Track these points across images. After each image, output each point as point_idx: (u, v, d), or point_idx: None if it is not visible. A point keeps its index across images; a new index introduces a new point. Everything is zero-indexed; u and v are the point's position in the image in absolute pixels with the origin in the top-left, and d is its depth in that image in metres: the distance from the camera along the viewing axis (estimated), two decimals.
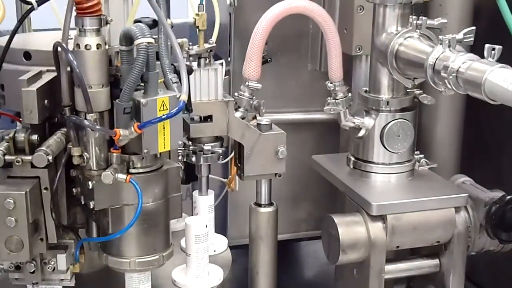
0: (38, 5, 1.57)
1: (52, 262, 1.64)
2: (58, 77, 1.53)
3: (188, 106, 1.76)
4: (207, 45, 1.87)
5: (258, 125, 1.92)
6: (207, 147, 1.88)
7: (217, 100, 1.86)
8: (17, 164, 1.51)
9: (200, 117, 1.87)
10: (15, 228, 1.49)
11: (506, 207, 2.05)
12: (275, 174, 1.96)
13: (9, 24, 1.67)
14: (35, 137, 1.53)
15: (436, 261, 2.11)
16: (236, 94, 1.97)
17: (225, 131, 1.88)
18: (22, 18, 1.62)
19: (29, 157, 1.51)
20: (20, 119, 1.63)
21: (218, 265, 1.94)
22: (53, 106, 1.58)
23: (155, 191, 1.63)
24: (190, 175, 1.99)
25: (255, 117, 1.97)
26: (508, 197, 2.07)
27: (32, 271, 1.62)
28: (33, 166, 1.51)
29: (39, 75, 1.58)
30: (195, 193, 2.00)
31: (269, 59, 2.46)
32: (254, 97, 1.96)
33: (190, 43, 1.86)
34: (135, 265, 1.65)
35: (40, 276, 1.64)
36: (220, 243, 2.07)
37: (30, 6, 1.58)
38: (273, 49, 2.45)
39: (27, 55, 1.68)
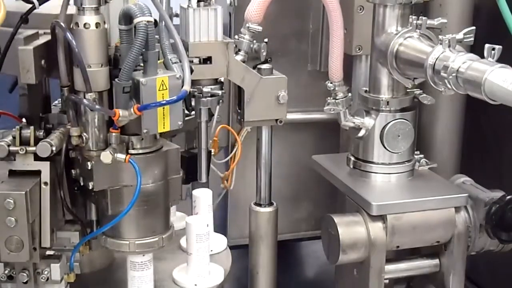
0: (40, 4, 1.57)
1: (46, 272, 1.60)
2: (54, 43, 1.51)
3: (188, 106, 1.76)
4: None
5: (259, 69, 1.90)
6: (206, 89, 1.83)
7: (216, 41, 1.82)
8: (21, 153, 1.50)
9: (200, 59, 1.83)
10: (15, 228, 1.49)
11: (506, 207, 2.05)
12: (276, 120, 1.92)
13: None
14: (40, 132, 1.53)
15: (436, 261, 2.11)
16: (236, 36, 1.94)
17: (225, 73, 1.85)
18: (23, 18, 1.61)
19: (33, 148, 1.50)
20: (21, 119, 1.62)
21: (218, 265, 1.93)
22: (50, 67, 1.56)
23: (154, 172, 1.62)
24: (190, 175, 1.99)
25: (255, 67, 1.94)
26: (508, 197, 2.07)
27: (25, 281, 1.59)
28: (35, 159, 1.51)
29: (36, 35, 1.56)
30: (195, 192, 2.00)
31: (269, 59, 2.45)
32: (254, 40, 1.93)
33: None
34: (134, 247, 1.64)
35: (34, 287, 1.60)
36: (219, 243, 2.07)
37: (31, 5, 1.57)
38: (273, 49, 2.45)
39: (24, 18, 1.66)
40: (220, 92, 1.85)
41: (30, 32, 1.55)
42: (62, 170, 1.58)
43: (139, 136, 1.58)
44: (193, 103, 1.84)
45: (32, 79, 1.50)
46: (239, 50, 1.91)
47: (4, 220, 1.48)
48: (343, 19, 2.06)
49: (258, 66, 1.90)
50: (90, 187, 1.57)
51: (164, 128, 1.56)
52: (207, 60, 1.83)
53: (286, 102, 1.90)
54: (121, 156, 1.53)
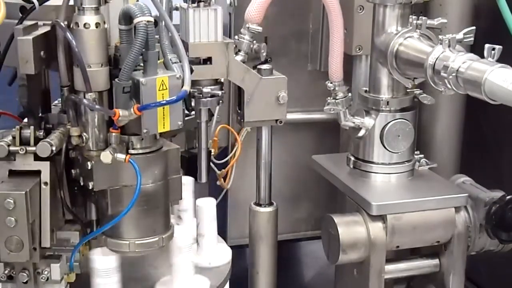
0: (40, 4, 1.57)
1: (46, 272, 1.58)
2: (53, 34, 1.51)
3: (188, 106, 1.76)
4: None
5: (259, 69, 1.90)
6: (206, 89, 1.84)
7: (216, 41, 1.83)
8: (21, 153, 1.50)
9: (200, 60, 1.83)
10: (15, 228, 1.49)
11: (506, 207, 2.05)
12: (276, 120, 1.92)
13: None
14: (40, 132, 1.53)
15: (436, 261, 2.11)
16: (236, 37, 1.94)
17: (225, 74, 1.85)
18: (23, 17, 1.61)
19: (33, 148, 1.50)
20: (21, 119, 1.62)
21: (218, 265, 1.91)
22: (49, 58, 1.55)
23: (154, 172, 1.61)
24: (190, 174, 1.98)
25: (255, 67, 1.94)
26: (508, 197, 2.07)
27: (25, 281, 1.57)
28: (35, 159, 1.51)
29: (35, 26, 1.55)
30: (198, 202, 1.95)
31: (269, 59, 2.45)
32: (254, 41, 1.93)
33: None
34: (134, 247, 1.62)
35: (34, 287, 1.59)
36: (222, 255, 1.99)
37: (31, 5, 1.57)
38: (273, 49, 2.45)
39: (24, 9, 1.66)
40: (220, 92, 1.85)
41: (29, 23, 1.54)
42: (62, 170, 1.58)
43: (139, 136, 1.57)
44: (193, 103, 1.84)
45: (31, 69, 1.48)
46: (239, 51, 1.92)
47: (4, 220, 1.48)
48: (343, 19, 2.06)
49: (258, 67, 1.90)
50: (90, 187, 1.57)
51: (164, 128, 1.56)
52: (207, 61, 1.83)
53: (286, 102, 1.90)
54: (121, 156, 1.52)
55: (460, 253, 2.07)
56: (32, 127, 1.52)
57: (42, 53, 1.52)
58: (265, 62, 2.38)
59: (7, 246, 1.50)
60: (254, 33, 1.92)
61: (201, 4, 1.81)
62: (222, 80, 1.87)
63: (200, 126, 1.89)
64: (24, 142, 1.52)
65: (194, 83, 1.80)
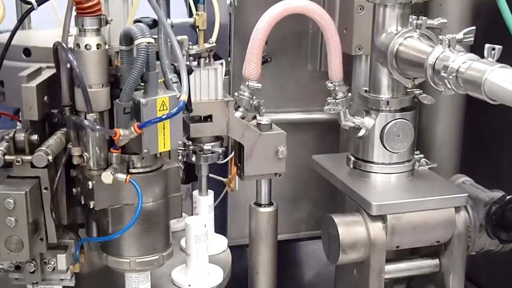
0: (38, 5, 1.57)
1: (52, 262, 1.63)
2: (58, 76, 1.53)
3: (188, 106, 1.76)
4: (207, 45, 1.87)
5: (258, 125, 1.92)
6: (207, 146, 1.88)
7: (217, 100, 1.86)
8: (17, 164, 1.51)
9: (200, 117, 1.87)
10: (15, 228, 1.49)
11: (506, 207, 2.05)
12: (275, 174, 1.95)
13: (9, 24, 1.66)
14: (35, 137, 1.53)
15: (436, 261, 2.11)
16: (236, 94, 1.97)
17: (225, 131, 1.88)
18: (22, 18, 1.62)
19: (29, 157, 1.50)
20: (20, 118, 1.62)
21: (218, 265, 1.93)
22: (52, 102, 1.58)
23: (155, 191, 1.63)
24: (190, 175, 1.99)
25: (255, 117, 1.97)
26: (508, 197, 2.07)
27: (32, 271, 1.62)
28: (33, 166, 1.51)
29: (38, 71, 1.58)
30: (195, 193, 2.00)
31: (269, 59, 2.45)
32: (254, 97, 1.96)
33: (190, 43, 1.86)
34: (135, 265, 1.65)
35: (40, 276, 1.63)
36: (220, 243, 2.07)
37: (30, 6, 1.58)
38: (273, 49, 2.45)
39: (27, 51, 1.67)
40: (220, 150, 1.90)
41: (33, 67, 1.57)
42: (62, 173, 1.58)
43: (140, 155, 1.58)
44: (193, 159, 1.90)
45: (35, 115, 1.52)
46: (239, 107, 1.95)
47: (4, 220, 1.49)
48: (343, 19, 2.06)
49: (258, 122, 1.92)
50: (91, 206, 1.58)
51: (164, 147, 1.57)
52: (207, 118, 1.86)
53: (285, 156, 1.92)
54: (122, 176, 1.54)
55: (460, 253, 2.07)
56: (23, 135, 1.52)
57: (45, 98, 1.54)
58: (265, 62, 2.39)
59: (7, 246, 1.51)
60: (254, 90, 1.94)
61: (202, 60, 1.84)
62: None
63: (201, 181, 1.95)
64: (19, 148, 1.52)
65: (195, 140, 1.87)
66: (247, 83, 1.96)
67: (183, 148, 1.88)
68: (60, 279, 1.67)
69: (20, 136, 1.52)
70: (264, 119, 1.92)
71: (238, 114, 1.92)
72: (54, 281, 1.67)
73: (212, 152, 1.89)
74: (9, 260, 1.57)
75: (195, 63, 1.85)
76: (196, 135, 1.86)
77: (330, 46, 2.03)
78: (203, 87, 1.85)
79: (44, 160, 1.49)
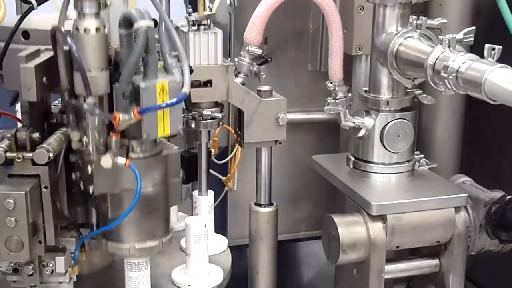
0: (38, 5, 1.57)
1: (51, 265, 1.61)
2: (55, 59, 1.52)
3: (188, 106, 1.76)
4: (206, 12, 1.85)
5: (258, 91, 1.91)
6: (206, 112, 1.86)
7: (216, 64, 1.84)
8: (18, 160, 1.51)
9: (200, 82, 1.84)
10: (15, 228, 1.49)
11: (506, 207, 2.05)
12: (276, 141, 1.93)
13: (9, 23, 1.66)
14: (36, 135, 1.53)
15: (436, 261, 2.11)
16: (236, 59, 1.95)
17: (225, 96, 1.86)
18: (22, 18, 1.61)
19: (30, 154, 1.50)
20: (20, 118, 1.62)
21: (218, 265, 1.93)
22: (51, 84, 1.56)
23: (154, 176, 1.61)
24: (190, 175, 1.99)
25: (256, 74, 1.95)
26: (508, 197, 2.07)
27: (30, 273, 1.60)
28: (33, 164, 1.51)
29: (37, 52, 1.56)
30: (195, 193, 2.00)
31: (269, 59, 2.45)
32: (254, 63, 1.95)
33: (190, 9, 1.84)
34: (134, 251, 1.63)
35: (39, 279, 1.61)
36: (220, 243, 2.07)
37: (30, 5, 1.57)
38: (273, 49, 2.45)
39: (26, 34, 1.66)
40: (220, 115, 1.88)
41: (31, 49, 1.55)
42: (62, 171, 1.58)
43: (139, 139, 1.58)
44: (193, 125, 1.87)
45: (33, 96, 1.50)
46: (239, 73, 1.94)
47: (4, 220, 1.48)
48: (343, 19, 2.06)
49: (258, 89, 1.92)
50: (91, 191, 1.58)
51: (164, 132, 1.56)
52: (207, 83, 1.85)
53: (285, 124, 1.91)
54: (121, 161, 1.53)
55: (460, 253, 2.07)
56: (24, 133, 1.52)
57: (44, 79, 1.53)
58: (265, 62, 2.39)
59: (7, 246, 1.50)
60: (254, 55, 1.93)
61: (201, 27, 1.83)
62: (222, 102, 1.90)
63: (200, 148, 1.93)
64: (20, 146, 1.52)
65: (194, 105, 1.84)
66: (247, 48, 1.94)
67: (182, 115, 1.86)
68: (59, 282, 1.65)
69: (22, 134, 1.52)
70: (265, 86, 1.91)
71: (238, 80, 1.91)
72: (52, 284, 1.65)
73: (212, 118, 1.86)
74: (9, 260, 1.57)
75: (194, 28, 1.83)
76: (195, 100, 1.83)
77: (332, 44, 2.04)
78: (203, 51, 1.83)
79: (45, 156, 1.48)
